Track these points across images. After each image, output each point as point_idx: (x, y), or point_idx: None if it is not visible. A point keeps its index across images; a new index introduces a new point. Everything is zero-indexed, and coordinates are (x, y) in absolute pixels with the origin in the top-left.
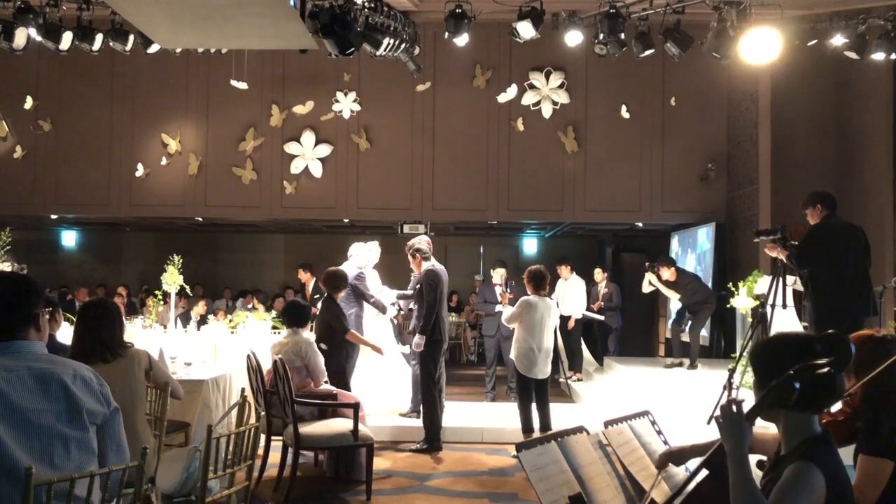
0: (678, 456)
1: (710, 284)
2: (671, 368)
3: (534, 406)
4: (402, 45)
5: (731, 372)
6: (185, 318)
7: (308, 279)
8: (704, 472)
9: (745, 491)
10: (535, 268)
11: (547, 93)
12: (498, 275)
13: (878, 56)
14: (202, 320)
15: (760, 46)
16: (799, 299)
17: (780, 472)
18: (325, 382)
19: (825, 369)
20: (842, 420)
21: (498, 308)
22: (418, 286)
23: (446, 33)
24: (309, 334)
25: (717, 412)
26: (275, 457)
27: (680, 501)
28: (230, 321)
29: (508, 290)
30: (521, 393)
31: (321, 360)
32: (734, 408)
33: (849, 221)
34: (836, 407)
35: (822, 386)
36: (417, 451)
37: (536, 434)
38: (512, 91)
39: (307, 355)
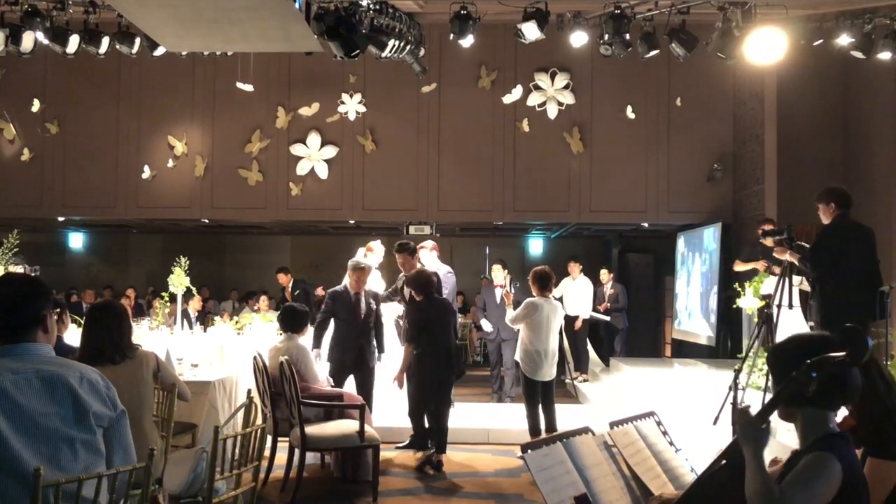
0: None
1: (716, 285)
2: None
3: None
4: (408, 47)
5: (737, 372)
6: (184, 316)
7: (287, 281)
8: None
9: (760, 481)
10: (540, 269)
11: (552, 93)
12: (498, 274)
13: (885, 55)
14: (199, 317)
15: (766, 46)
16: (805, 299)
17: (796, 464)
18: (329, 384)
19: (841, 360)
20: (849, 426)
21: (488, 328)
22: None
23: (451, 35)
24: (304, 340)
25: (734, 418)
26: (281, 458)
27: (695, 489)
28: (236, 322)
29: (512, 291)
30: (527, 395)
31: (312, 365)
32: (748, 413)
33: (859, 222)
34: (842, 416)
35: (837, 381)
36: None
37: (543, 436)
38: (517, 92)
39: (298, 361)
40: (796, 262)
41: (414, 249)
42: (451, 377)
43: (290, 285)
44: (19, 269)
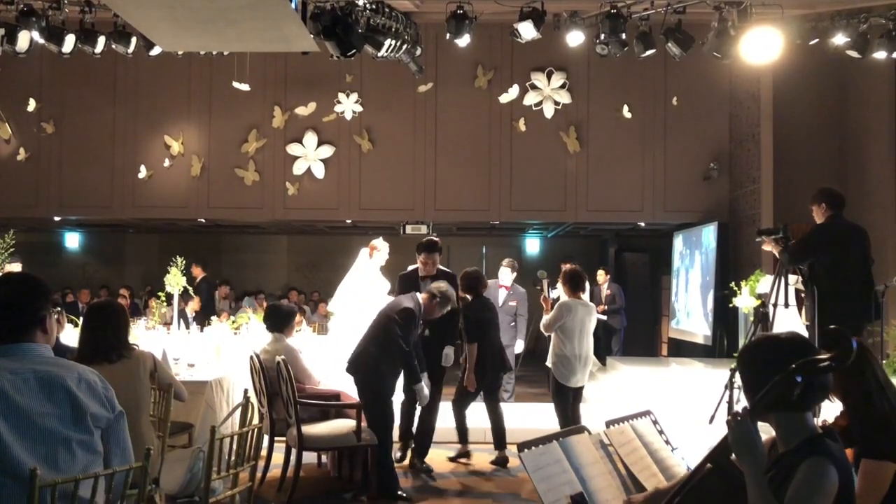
0: None
1: (712, 284)
2: None
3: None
4: (404, 47)
5: (733, 371)
6: (181, 316)
7: (199, 274)
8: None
9: (764, 501)
10: (572, 268)
11: (549, 93)
12: (506, 275)
13: (880, 55)
14: (197, 317)
15: (762, 46)
16: (800, 297)
17: (784, 468)
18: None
19: (827, 363)
20: (842, 425)
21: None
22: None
23: (448, 34)
24: (292, 340)
25: (727, 421)
26: (278, 457)
27: (684, 494)
28: (233, 322)
29: (551, 296)
30: (558, 403)
31: (302, 363)
32: (740, 419)
33: (854, 223)
34: (837, 411)
35: (814, 382)
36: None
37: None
38: (514, 91)
39: (288, 362)
40: (777, 254)
41: (441, 248)
42: (501, 376)
43: (198, 280)
44: (16, 267)
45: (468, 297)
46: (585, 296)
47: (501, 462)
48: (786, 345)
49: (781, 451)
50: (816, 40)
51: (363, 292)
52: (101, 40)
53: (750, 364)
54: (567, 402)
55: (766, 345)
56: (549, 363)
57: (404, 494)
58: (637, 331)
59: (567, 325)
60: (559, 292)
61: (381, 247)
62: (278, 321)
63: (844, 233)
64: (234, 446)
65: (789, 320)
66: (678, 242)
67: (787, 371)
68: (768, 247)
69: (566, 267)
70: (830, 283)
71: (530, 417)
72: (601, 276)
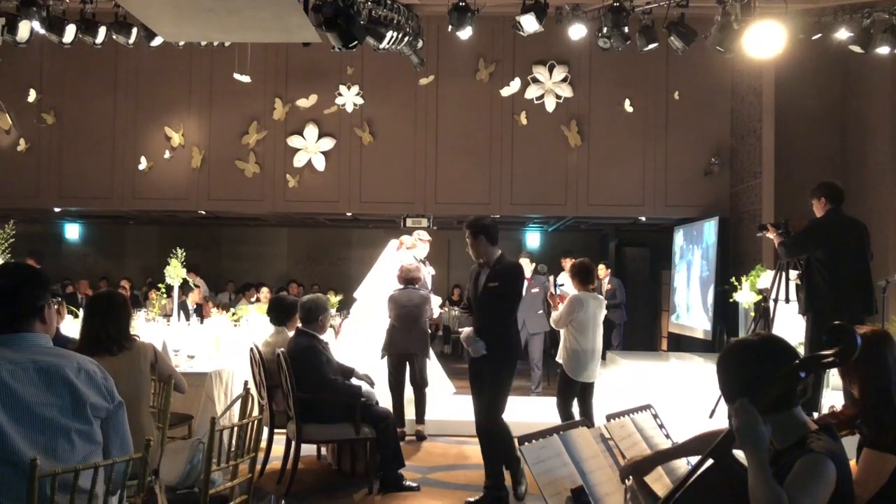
0: (642, 466)
1: (713, 279)
2: None
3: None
4: (406, 39)
5: None
6: (182, 308)
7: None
8: (710, 461)
9: (768, 487)
10: (581, 261)
11: (550, 86)
12: (525, 266)
13: (883, 50)
14: (198, 309)
15: (764, 40)
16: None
17: (783, 466)
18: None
19: (831, 359)
20: (849, 415)
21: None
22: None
23: (450, 26)
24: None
25: (730, 418)
26: (278, 449)
27: (685, 489)
28: (233, 314)
29: (558, 293)
30: (562, 395)
31: None
32: (743, 406)
33: (852, 217)
34: (841, 405)
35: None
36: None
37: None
38: (515, 85)
39: None
40: (776, 245)
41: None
42: (424, 361)
43: None
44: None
45: (401, 286)
46: None
47: (419, 436)
48: (763, 346)
49: (778, 448)
50: (819, 35)
51: (381, 283)
52: (102, 31)
53: (739, 368)
54: (572, 397)
55: (749, 348)
56: (559, 358)
57: (414, 484)
58: (637, 325)
59: (580, 319)
60: (567, 287)
61: (408, 243)
62: (281, 314)
63: (840, 227)
64: (234, 438)
65: (790, 315)
66: (679, 237)
67: (792, 367)
68: (771, 234)
69: (570, 261)
70: (826, 276)
71: (530, 412)
72: (602, 270)
